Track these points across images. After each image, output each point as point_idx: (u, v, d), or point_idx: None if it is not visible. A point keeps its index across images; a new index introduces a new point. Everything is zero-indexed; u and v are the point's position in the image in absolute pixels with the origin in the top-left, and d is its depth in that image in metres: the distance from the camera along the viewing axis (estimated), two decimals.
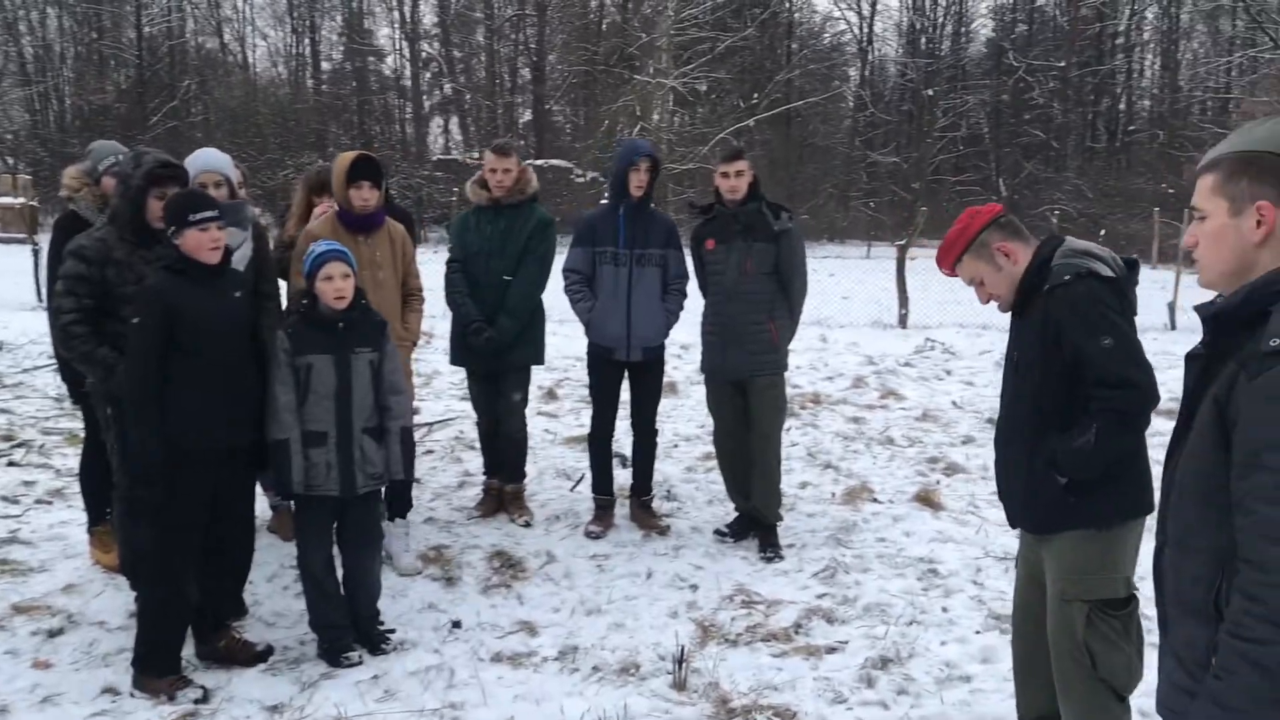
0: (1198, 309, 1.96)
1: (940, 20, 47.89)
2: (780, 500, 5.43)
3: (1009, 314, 3.00)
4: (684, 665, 3.97)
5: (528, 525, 5.59)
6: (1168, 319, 14.17)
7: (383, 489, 4.32)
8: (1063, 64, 44.55)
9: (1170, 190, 31.19)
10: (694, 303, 5.50)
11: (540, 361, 5.75)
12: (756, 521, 5.40)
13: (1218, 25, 42.90)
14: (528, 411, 5.78)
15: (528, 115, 41.62)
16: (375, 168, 4.98)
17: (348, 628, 4.16)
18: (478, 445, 6.98)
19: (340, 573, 4.20)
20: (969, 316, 14.29)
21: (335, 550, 4.17)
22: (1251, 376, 1.70)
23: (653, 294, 5.41)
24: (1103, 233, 31.12)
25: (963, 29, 48.65)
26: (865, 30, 48.83)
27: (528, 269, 5.47)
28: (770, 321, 5.21)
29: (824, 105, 43.09)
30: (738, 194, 5.19)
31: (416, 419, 7.32)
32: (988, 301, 2.99)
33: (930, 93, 44.22)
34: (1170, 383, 9.81)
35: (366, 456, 4.04)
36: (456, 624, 4.44)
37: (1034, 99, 45.44)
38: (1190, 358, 1.95)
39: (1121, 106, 47.43)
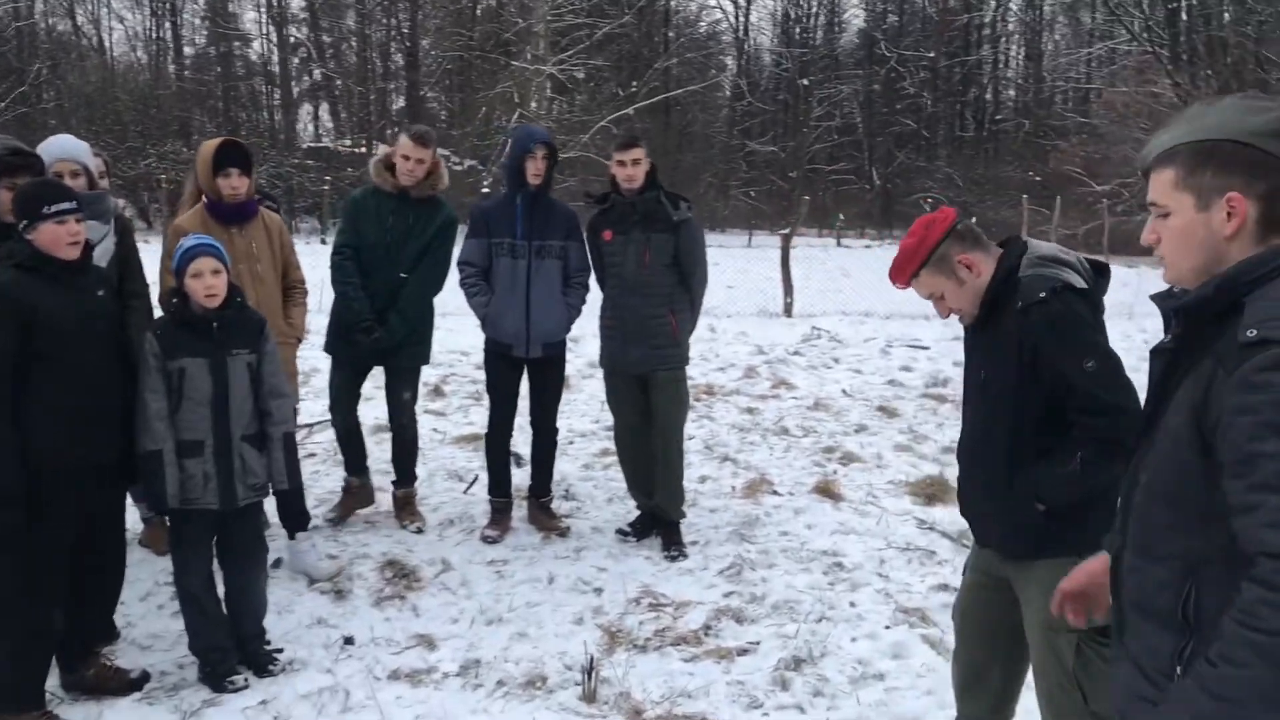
0: (1156, 299, 1.87)
1: (814, 10, 48.71)
2: (683, 497, 5.31)
3: (959, 323, 2.82)
4: (593, 675, 3.80)
5: (420, 531, 5.34)
6: None
7: (266, 501, 4.02)
8: (932, 54, 45.77)
9: (1037, 178, 32.28)
10: (592, 295, 5.33)
11: (427, 361, 5.51)
12: (659, 519, 5.26)
13: (1078, 17, 44.59)
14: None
15: (401, 102, 40.77)
16: (243, 154, 4.66)
17: (231, 649, 3.87)
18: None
19: (221, 590, 3.91)
20: (851, 304, 14.50)
21: (216, 566, 3.88)
22: (1231, 371, 1.60)
23: (553, 287, 5.20)
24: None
25: (835, 19, 49.59)
26: (741, 19, 49.36)
27: (428, 269, 5.21)
28: (671, 314, 5.07)
29: (702, 94, 43.35)
30: (635, 183, 5.02)
31: (298, 420, 6.99)
32: (948, 315, 2.78)
33: (805, 82, 44.88)
34: None
35: (247, 466, 3.75)
36: (349, 640, 4.18)
37: (905, 89, 46.63)
38: (1156, 352, 1.85)
39: (988, 96, 48.96)
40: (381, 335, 5.08)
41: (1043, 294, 2.52)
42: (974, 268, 2.63)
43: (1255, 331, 1.57)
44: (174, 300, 3.70)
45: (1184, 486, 1.70)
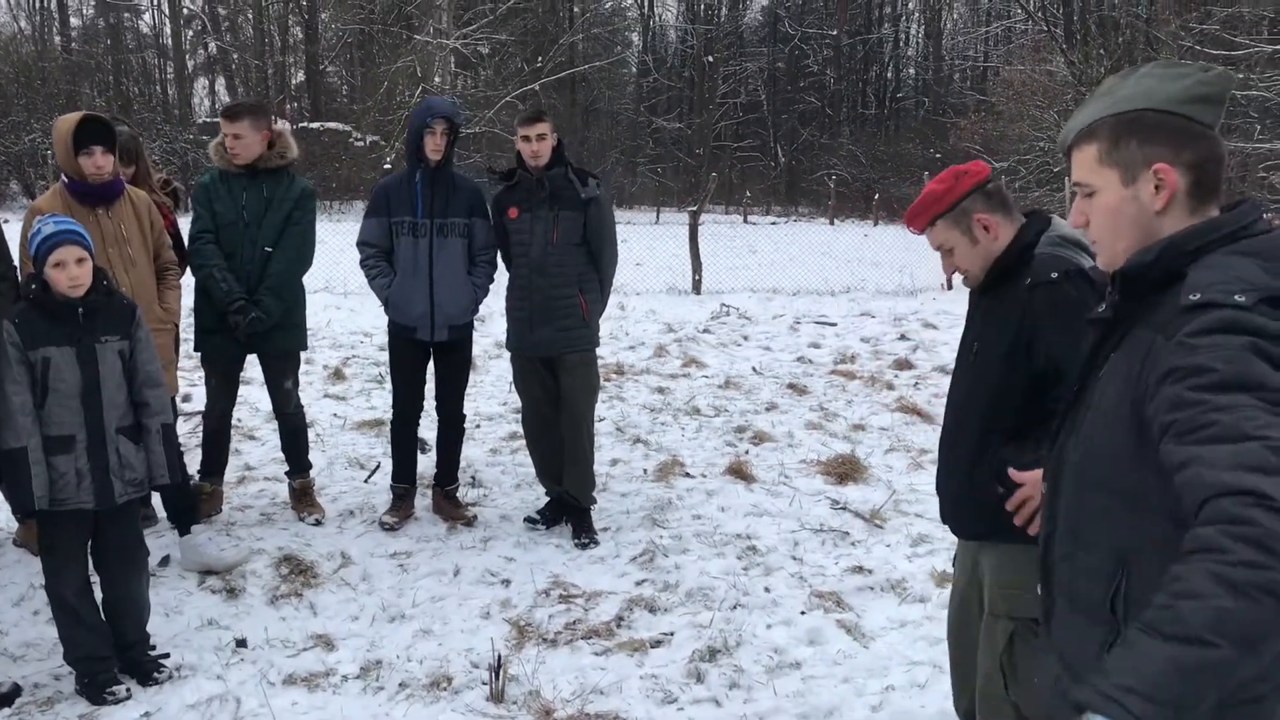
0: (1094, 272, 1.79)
1: None
2: (594, 483, 5.15)
3: (968, 292, 2.71)
4: (501, 673, 3.63)
5: (318, 524, 5.08)
6: (944, 280, 14.73)
7: (147, 496, 3.76)
8: (834, 33, 46.08)
9: (938, 155, 32.70)
10: (498, 274, 5.13)
11: (305, 347, 5.26)
12: (569, 506, 5.10)
13: None
14: (313, 393, 5.26)
15: (301, 76, 39.66)
16: (106, 129, 4.34)
17: (111, 658, 3.60)
18: (256, 434, 6.46)
19: (100, 595, 3.64)
20: (759, 281, 14.50)
21: (93, 569, 3.60)
22: (1170, 335, 1.51)
23: (457, 267, 4.99)
24: (876, 197, 32.48)
25: None
26: None
27: (291, 243, 4.94)
28: (580, 294, 4.89)
29: (608, 70, 43.06)
30: (541, 159, 4.82)
31: (186, 408, 6.65)
32: (952, 273, 2.68)
33: (710, 59, 44.84)
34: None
35: (124, 460, 3.49)
36: (241, 643, 3.93)
37: (809, 67, 46.92)
38: (1092, 322, 1.76)
39: (889, 75, 49.56)
40: (258, 315, 4.81)
41: (1055, 274, 2.42)
42: (992, 230, 2.54)
43: (1199, 295, 1.49)
44: (33, 286, 3.41)
45: (1120, 469, 1.60)
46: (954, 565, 2.91)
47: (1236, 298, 1.46)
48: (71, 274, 3.35)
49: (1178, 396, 1.45)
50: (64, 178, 4.37)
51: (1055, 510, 1.78)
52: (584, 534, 4.96)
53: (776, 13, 48.11)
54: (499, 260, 5.13)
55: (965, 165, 2.62)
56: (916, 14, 48.97)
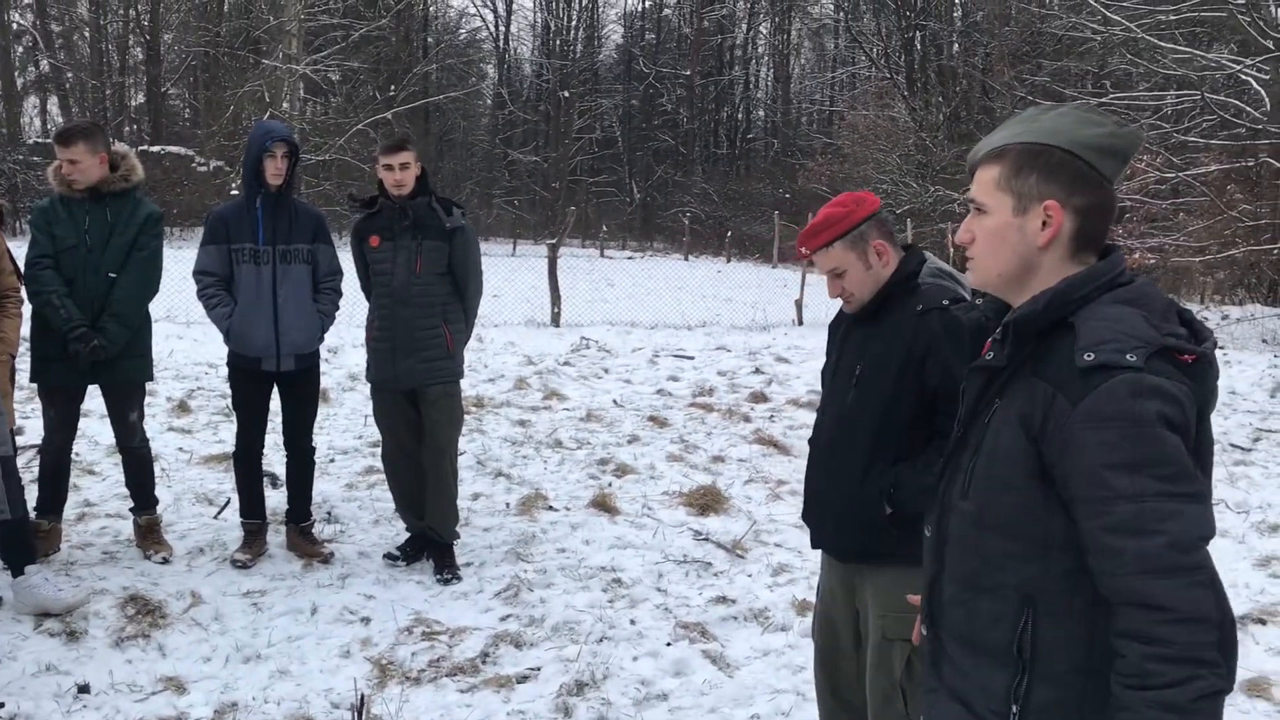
0: (984, 306, 1.87)
1: (574, 23, 49.06)
2: (457, 517, 5.06)
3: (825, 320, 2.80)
4: (363, 713, 3.54)
5: (166, 561, 4.85)
6: (795, 315, 15.12)
7: None
8: (688, 73, 47.03)
9: (787, 195, 33.68)
10: (354, 303, 5.02)
11: (151, 377, 5.05)
12: (431, 542, 5.00)
13: (823, 43, 47.01)
14: (156, 426, 5.03)
15: (141, 98, 38.14)
16: None
17: None
18: (95, 469, 6.14)
19: None
20: (617, 314, 14.60)
21: None
22: (1075, 401, 1.56)
23: (302, 295, 4.87)
24: (729, 234, 33.18)
25: (595, 34, 50.16)
26: (501, 28, 49.18)
27: (136, 269, 4.74)
28: (445, 325, 4.83)
29: (464, 101, 42.86)
30: (404, 188, 4.75)
31: (21, 441, 6.27)
32: (837, 295, 2.74)
33: (566, 94, 45.14)
34: (806, 375, 10.33)
35: None
36: (84, 688, 3.71)
37: (663, 105, 47.73)
38: (975, 369, 1.79)
39: (740, 115, 50.82)
40: (101, 343, 4.59)
41: (945, 301, 2.58)
42: (884, 256, 2.66)
43: (1092, 356, 1.55)
44: None
45: (1022, 514, 1.63)
46: (817, 593, 2.95)
47: (1129, 358, 1.52)
48: None
49: (1087, 472, 1.54)
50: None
51: (941, 554, 1.80)
52: (446, 570, 4.87)
53: (631, 51, 48.86)
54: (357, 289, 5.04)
55: (858, 193, 2.73)
56: (766, 58, 50.43)
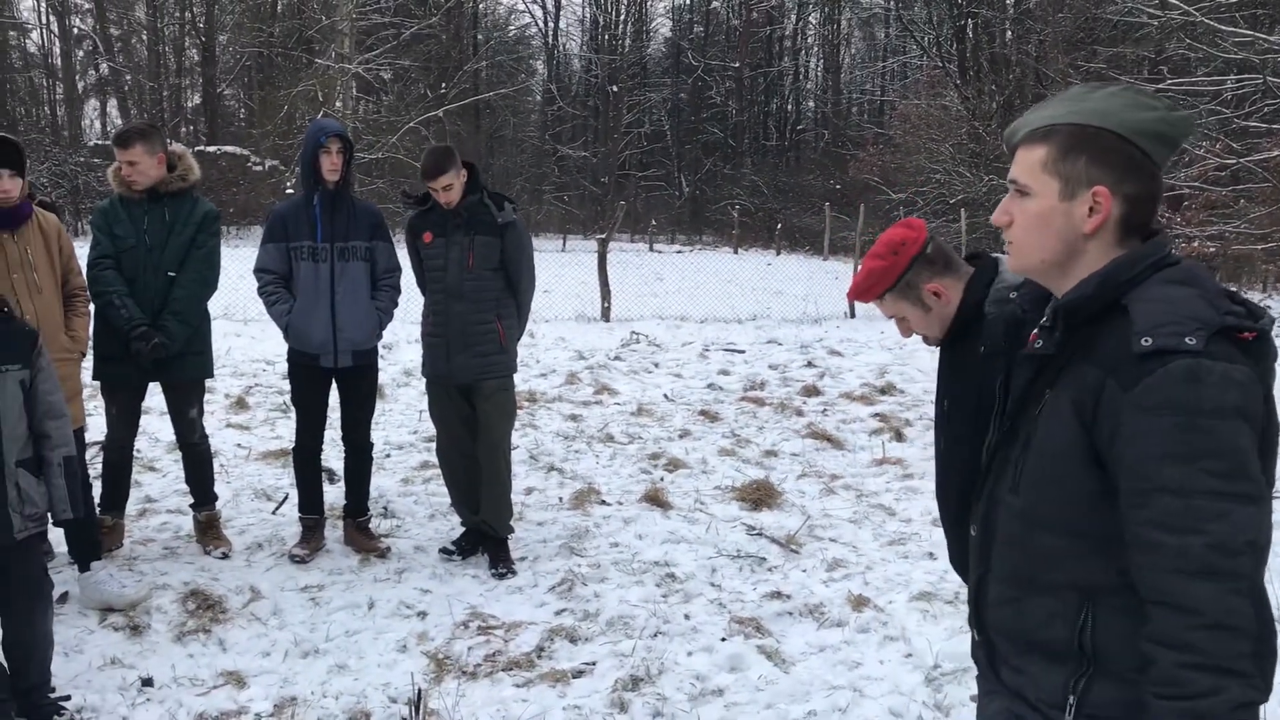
0: (1019, 298, 1.77)
1: (622, 18, 49.05)
2: (511, 511, 5.09)
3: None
4: (420, 708, 3.56)
5: (225, 557, 4.93)
6: (847, 308, 15.00)
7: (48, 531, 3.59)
8: (736, 65, 46.82)
9: (837, 186, 33.40)
10: (412, 299, 5.05)
11: (210, 374, 5.11)
12: (485, 536, 5.03)
13: (873, 32, 46.55)
14: (215, 423, 5.09)
15: (197, 99, 38.76)
16: (15, 151, 4.19)
17: (9, 702, 3.42)
18: (156, 465, 6.25)
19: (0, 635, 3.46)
20: (667, 308, 14.59)
21: None
22: (1127, 386, 1.49)
23: (360, 292, 4.91)
24: (779, 226, 33.01)
25: (643, 28, 50.11)
26: (550, 25, 49.30)
27: (195, 267, 4.80)
28: (498, 321, 4.85)
29: (513, 98, 43.02)
30: (453, 200, 4.74)
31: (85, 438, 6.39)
32: (909, 336, 2.57)
33: (615, 89, 45.17)
34: (859, 368, 10.23)
35: (24, 495, 3.33)
36: (148, 682, 3.78)
37: (712, 98, 47.58)
38: (1026, 358, 1.71)
39: (790, 107, 50.52)
40: (162, 341, 4.67)
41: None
42: (942, 295, 2.42)
43: (1150, 340, 1.48)
44: None
45: (1079, 509, 1.58)
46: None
47: (1188, 341, 1.46)
48: None
49: (1135, 461, 1.48)
50: None
51: (988, 554, 1.75)
52: (501, 564, 4.89)
53: (679, 45, 48.75)
54: (412, 283, 5.07)
55: (898, 233, 2.47)
56: (816, 48, 50.06)
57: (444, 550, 5.07)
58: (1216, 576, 1.42)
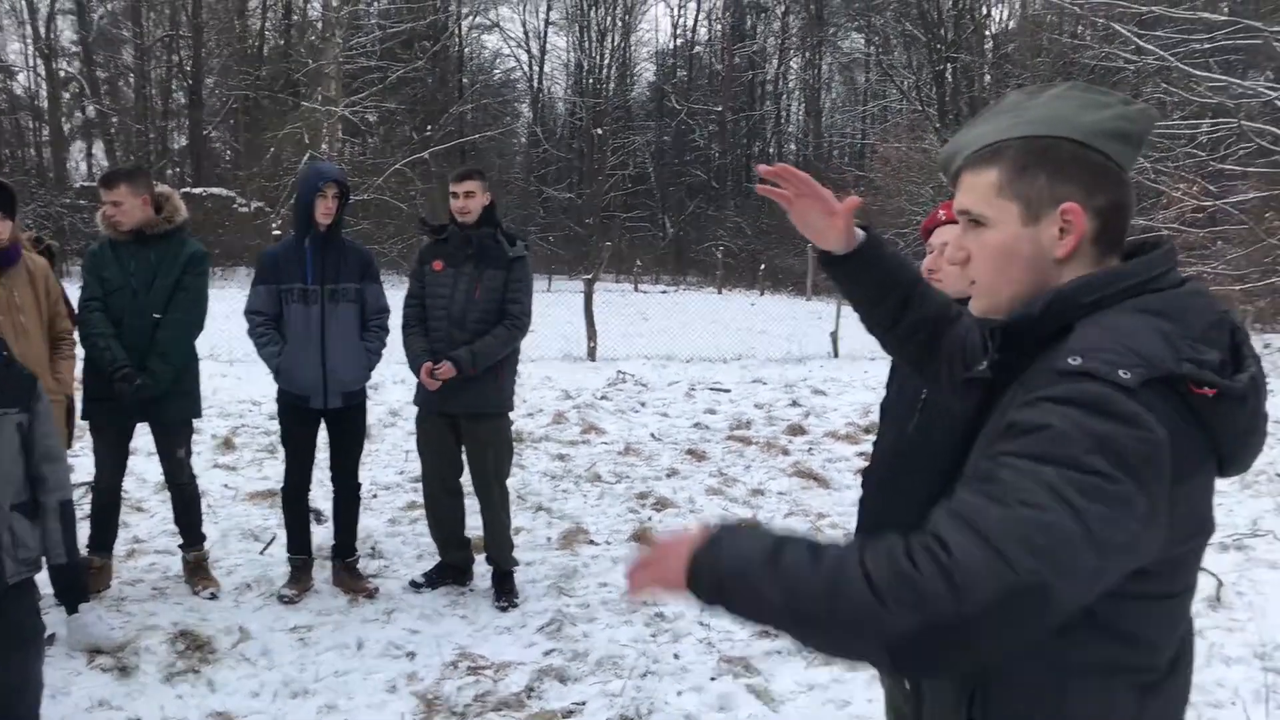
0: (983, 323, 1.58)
1: (606, 62, 49.52)
2: (512, 544, 5.13)
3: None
4: None
5: (214, 597, 4.92)
6: (830, 348, 15.08)
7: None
8: (719, 108, 47.31)
9: None
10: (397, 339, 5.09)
11: (198, 414, 5.15)
12: (461, 570, 5.09)
13: (853, 76, 47.12)
14: (202, 464, 5.11)
15: (183, 141, 38.86)
16: (5, 194, 4.23)
17: None
18: (144, 506, 6.23)
19: None
20: (653, 348, 14.63)
21: None
22: (1029, 390, 1.31)
23: (350, 334, 4.95)
24: (763, 267, 33.22)
25: (627, 72, 50.60)
26: (535, 69, 49.73)
27: (181, 308, 4.84)
28: None
29: (499, 140, 43.31)
30: (469, 215, 4.90)
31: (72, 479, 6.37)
32: (954, 287, 2.36)
33: (599, 132, 45.53)
34: (843, 407, 10.26)
35: (18, 539, 3.32)
36: None
37: (695, 141, 48.01)
38: (969, 383, 1.55)
39: (772, 150, 50.96)
40: (145, 381, 4.69)
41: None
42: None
43: (1078, 360, 1.27)
44: None
45: None
46: None
47: (1121, 374, 1.24)
48: None
49: (996, 449, 1.29)
50: None
51: None
52: (505, 596, 4.94)
53: (663, 88, 49.24)
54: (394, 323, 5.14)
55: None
56: (797, 92, 50.63)
57: (413, 582, 5.11)
58: (986, 544, 1.18)
